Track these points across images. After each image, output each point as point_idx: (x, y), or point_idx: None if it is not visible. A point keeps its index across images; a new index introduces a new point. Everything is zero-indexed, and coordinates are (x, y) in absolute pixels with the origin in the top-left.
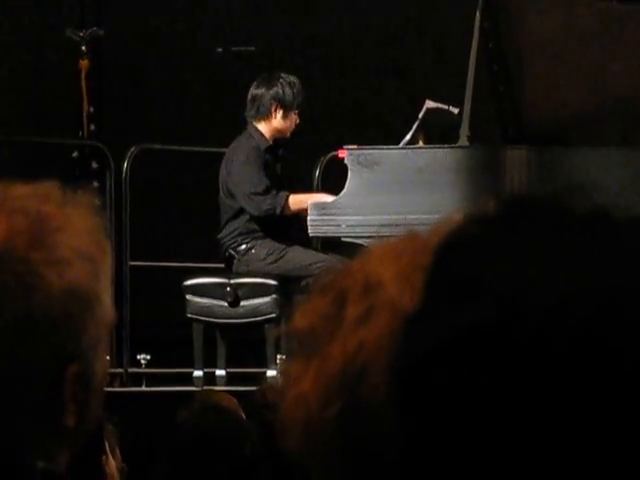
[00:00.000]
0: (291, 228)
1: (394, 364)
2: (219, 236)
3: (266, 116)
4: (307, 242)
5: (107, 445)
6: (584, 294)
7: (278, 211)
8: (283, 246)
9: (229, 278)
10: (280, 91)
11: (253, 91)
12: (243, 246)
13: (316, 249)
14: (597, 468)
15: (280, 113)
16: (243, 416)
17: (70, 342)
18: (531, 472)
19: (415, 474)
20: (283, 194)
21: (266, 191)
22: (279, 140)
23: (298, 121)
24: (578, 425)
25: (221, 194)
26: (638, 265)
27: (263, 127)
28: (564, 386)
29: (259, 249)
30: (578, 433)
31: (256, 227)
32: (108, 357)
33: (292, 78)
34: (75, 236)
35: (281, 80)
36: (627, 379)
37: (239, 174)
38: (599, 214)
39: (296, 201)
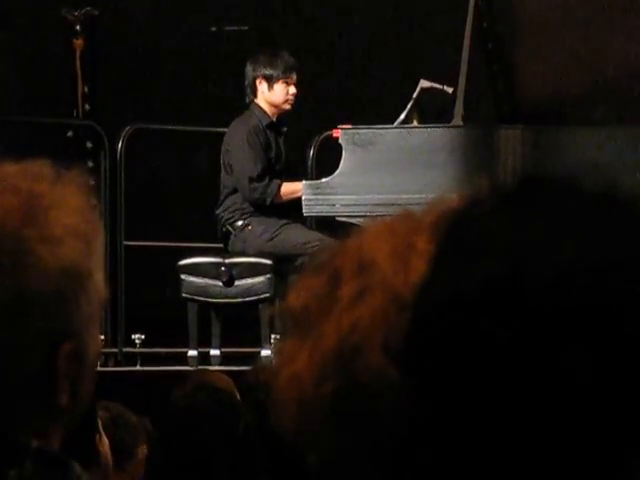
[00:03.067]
0: (289, 206)
1: (409, 322)
2: (217, 211)
3: (254, 92)
4: (303, 221)
5: (100, 424)
6: (593, 259)
7: (268, 202)
8: (280, 224)
9: (224, 258)
10: (259, 66)
11: (245, 72)
12: (240, 222)
13: (310, 228)
14: (605, 423)
15: (265, 86)
16: (237, 396)
17: (63, 320)
18: (548, 427)
19: (423, 440)
20: (275, 184)
21: (260, 177)
22: (282, 116)
23: (294, 91)
24: (588, 380)
25: (222, 170)
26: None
27: (261, 103)
28: (573, 338)
29: (255, 226)
30: (588, 390)
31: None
32: (102, 336)
33: (275, 49)
34: (67, 214)
35: (261, 54)
36: (625, 332)
37: (237, 153)
38: (609, 194)
39: (288, 191)
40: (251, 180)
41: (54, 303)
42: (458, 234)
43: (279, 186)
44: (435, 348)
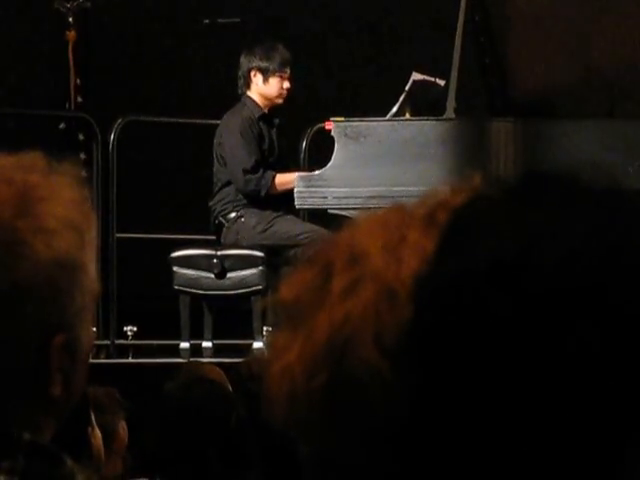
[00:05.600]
0: (282, 198)
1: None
2: (210, 203)
3: (248, 84)
4: (295, 213)
5: (93, 417)
6: (600, 243)
7: (262, 193)
8: (273, 216)
9: (216, 250)
10: (255, 58)
11: (239, 62)
12: (233, 214)
13: (303, 221)
14: (612, 403)
15: (259, 79)
16: (230, 388)
17: (57, 311)
18: (549, 405)
19: (417, 432)
20: (269, 175)
21: (254, 168)
22: (274, 109)
23: (287, 85)
24: (591, 359)
25: (215, 162)
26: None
27: (253, 95)
28: (581, 316)
29: (249, 218)
30: (591, 369)
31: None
32: (94, 328)
33: (272, 43)
34: (61, 205)
35: (258, 47)
36: (624, 313)
37: (230, 145)
38: (613, 190)
39: (282, 182)
40: (245, 172)
41: (48, 294)
42: (467, 220)
43: (273, 177)
44: (442, 329)
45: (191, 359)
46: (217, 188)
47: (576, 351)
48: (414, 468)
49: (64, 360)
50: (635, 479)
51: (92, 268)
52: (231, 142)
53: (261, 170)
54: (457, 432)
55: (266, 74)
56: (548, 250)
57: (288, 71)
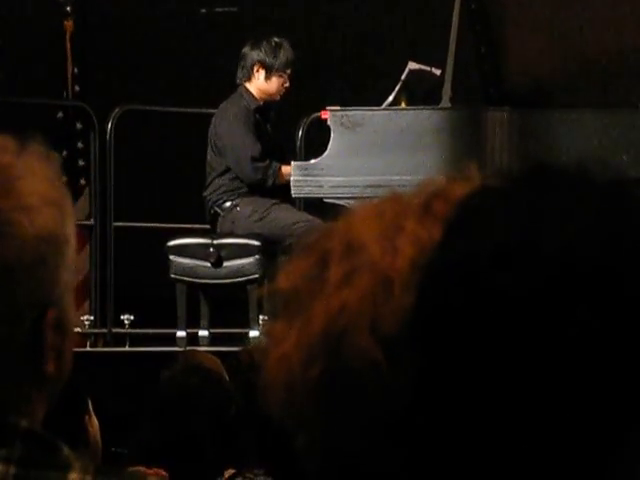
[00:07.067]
0: (277, 187)
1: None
2: (204, 193)
3: (249, 77)
4: (291, 202)
5: (90, 405)
6: (604, 229)
7: (269, 183)
8: (268, 205)
9: (212, 239)
10: (261, 53)
11: (242, 51)
12: (228, 203)
13: (299, 210)
14: (613, 386)
15: (262, 74)
16: (226, 376)
17: (47, 287)
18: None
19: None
20: (275, 166)
21: (263, 156)
22: (269, 101)
23: (287, 84)
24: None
25: (209, 152)
26: None
27: (251, 88)
28: (578, 303)
29: (244, 207)
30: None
31: (242, 185)
32: (91, 317)
33: (280, 41)
34: (38, 183)
35: (266, 42)
36: (627, 298)
37: (230, 134)
38: (616, 180)
39: (287, 172)
40: (254, 159)
41: (36, 271)
42: (473, 209)
43: (279, 169)
44: (446, 314)
45: (187, 348)
46: (211, 178)
47: (577, 337)
48: (411, 458)
49: (56, 336)
50: (635, 466)
51: (74, 242)
52: (232, 131)
53: (267, 160)
54: (458, 419)
55: (270, 72)
56: (552, 236)
57: (289, 71)
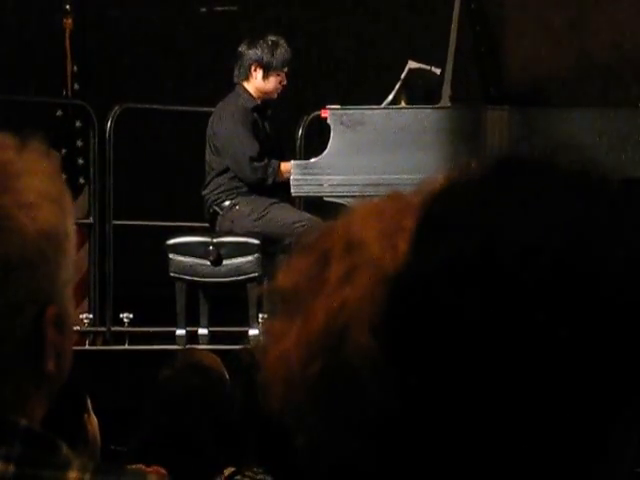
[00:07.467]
0: (277, 186)
1: (387, 303)
2: (203, 192)
3: (247, 76)
4: (291, 201)
5: (89, 403)
6: (562, 234)
7: (269, 182)
8: (267, 204)
9: (212, 237)
10: (258, 52)
11: (238, 50)
12: (227, 202)
13: (299, 209)
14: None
15: (259, 74)
16: (226, 375)
17: (48, 283)
18: (520, 388)
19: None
20: (275, 164)
21: (261, 156)
22: (267, 100)
23: (284, 82)
24: (562, 345)
25: (207, 151)
26: (610, 211)
27: (249, 87)
28: (543, 307)
29: (243, 206)
30: (563, 353)
31: (241, 184)
32: (91, 315)
33: (277, 39)
34: (38, 180)
35: (262, 41)
36: (593, 299)
37: (229, 134)
38: (583, 172)
39: (286, 170)
40: (252, 160)
41: (38, 267)
42: (434, 213)
43: (278, 167)
44: (411, 324)
45: (187, 346)
46: (210, 177)
47: (541, 345)
48: (404, 459)
49: (56, 333)
50: (619, 459)
51: (74, 239)
52: (230, 131)
53: (266, 159)
54: (444, 422)
55: (267, 71)
56: (508, 245)
57: (287, 69)
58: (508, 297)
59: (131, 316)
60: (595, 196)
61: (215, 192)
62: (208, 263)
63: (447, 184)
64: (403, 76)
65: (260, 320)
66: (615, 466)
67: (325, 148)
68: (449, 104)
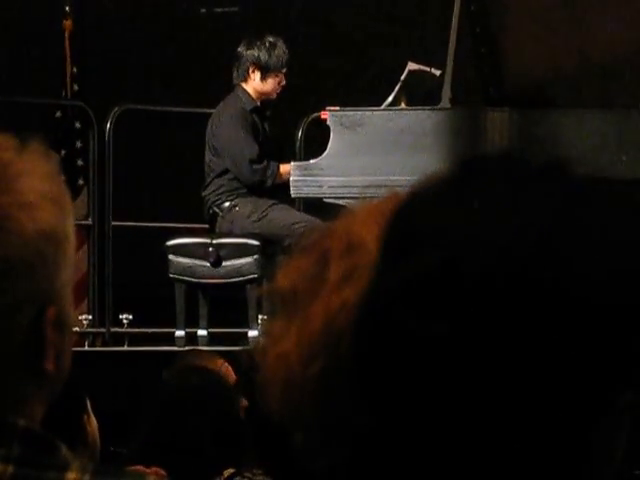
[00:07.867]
0: (276, 187)
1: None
2: (203, 194)
3: (245, 78)
4: (291, 202)
5: (88, 404)
6: (525, 239)
7: (269, 183)
8: (267, 205)
9: (211, 238)
10: (256, 53)
11: (236, 51)
12: (227, 203)
13: (298, 210)
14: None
15: (258, 75)
16: (229, 377)
17: (46, 284)
18: (487, 399)
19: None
20: (274, 166)
21: (260, 158)
22: (266, 101)
23: (283, 82)
24: (529, 352)
25: (207, 152)
26: (582, 213)
27: (248, 88)
28: (509, 316)
29: (243, 207)
30: (529, 361)
31: (240, 185)
32: (90, 316)
33: (274, 40)
34: (39, 180)
35: (260, 42)
36: (560, 308)
37: (228, 136)
38: (552, 169)
39: (285, 171)
40: (252, 162)
41: (37, 267)
42: (396, 226)
43: (278, 168)
44: (375, 343)
45: (186, 347)
46: (210, 178)
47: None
48: (395, 463)
49: (56, 334)
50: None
51: (73, 240)
52: (230, 133)
53: (265, 160)
54: (419, 436)
55: (265, 72)
56: (470, 259)
57: (285, 70)
58: (474, 311)
59: (130, 317)
60: (564, 198)
61: (215, 193)
62: (208, 264)
63: (410, 195)
64: (403, 77)
65: (260, 321)
66: (602, 467)
67: (325, 149)
68: (449, 105)
